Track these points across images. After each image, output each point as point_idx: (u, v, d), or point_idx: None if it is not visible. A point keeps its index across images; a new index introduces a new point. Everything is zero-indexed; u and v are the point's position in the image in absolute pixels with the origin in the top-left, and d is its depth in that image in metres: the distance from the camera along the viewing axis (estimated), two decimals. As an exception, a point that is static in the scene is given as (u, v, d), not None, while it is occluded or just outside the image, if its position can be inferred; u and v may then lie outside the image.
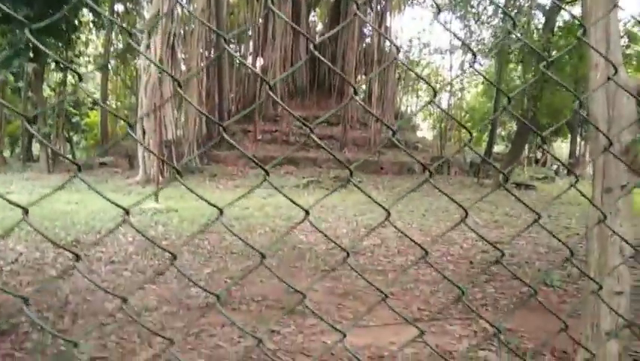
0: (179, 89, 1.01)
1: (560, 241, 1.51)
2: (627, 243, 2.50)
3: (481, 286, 5.00)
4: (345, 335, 1.11)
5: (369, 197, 1.20)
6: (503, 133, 29.38)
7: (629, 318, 2.69)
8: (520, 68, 17.29)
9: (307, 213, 1.07)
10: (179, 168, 1.04)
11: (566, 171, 22.15)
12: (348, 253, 1.19)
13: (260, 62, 22.50)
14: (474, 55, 1.65)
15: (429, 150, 21.99)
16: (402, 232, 1.41)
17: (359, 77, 23.33)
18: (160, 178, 12.03)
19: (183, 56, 16.65)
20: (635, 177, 3.05)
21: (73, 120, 22.80)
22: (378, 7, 23.67)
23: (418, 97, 31.71)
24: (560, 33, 14.64)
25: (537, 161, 24.61)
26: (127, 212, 0.91)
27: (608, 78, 2.35)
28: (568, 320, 1.35)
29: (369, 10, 23.04)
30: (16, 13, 8.25)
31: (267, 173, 1.04)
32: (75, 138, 26.49)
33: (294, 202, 1.09)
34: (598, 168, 3.03)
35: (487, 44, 18.45)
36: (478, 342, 3.53)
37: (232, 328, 3.75)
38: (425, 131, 33.85)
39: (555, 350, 3.32)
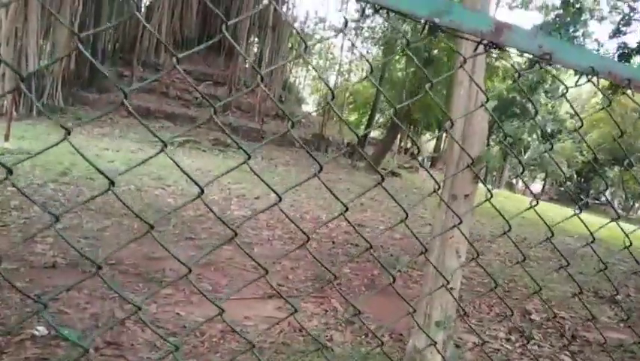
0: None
1: (416, 238, 1.67)
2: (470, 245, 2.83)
3: (339, 266, 5.31)
4: (223, 311, 1.08)
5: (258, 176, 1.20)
6: (382, 120, 31.03)
7: (456, 311, 3.08)
8: (403, 61, 18.30)
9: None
10: (40, 106, 0.93)
11: (429, 163, 24.19)
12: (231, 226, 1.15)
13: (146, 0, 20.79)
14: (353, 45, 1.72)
15: (311, 125, 22.40)
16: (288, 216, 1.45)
17: (252, 39, 22.79)
18: (14, 114, 10.66)
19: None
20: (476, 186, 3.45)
21: None
22: (280, -30, 23.18)
23: (307, 70, 32.04)
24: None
25: (407, 150, 26.47)
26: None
27: (482, 105, 2.61)
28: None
29: (270, -27, 22.46)
30: None
31: (166, 145, 0.86)
32: None
33: (183, 171, 1.05)
34: (448, 175, 3.36)
35: (378, 32, 19.18)
36: (327, 321, 3.78)
37: (80, 292, 3.54)
38: (311, 106, 34.41)
39: (393, 333, 3.69)
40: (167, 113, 16.57)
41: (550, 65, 1.11)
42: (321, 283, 4.46)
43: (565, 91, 1.24)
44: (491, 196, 1.36)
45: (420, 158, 25.94)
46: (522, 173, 1.79)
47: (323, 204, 9.02)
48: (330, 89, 1.09)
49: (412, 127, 24.10)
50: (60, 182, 6.98)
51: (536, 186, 37.04)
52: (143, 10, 20.26)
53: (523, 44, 1.07)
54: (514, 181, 35.45)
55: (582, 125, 1.30)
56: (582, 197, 31.09)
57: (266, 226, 6.62)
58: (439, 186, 1.84)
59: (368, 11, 0.95)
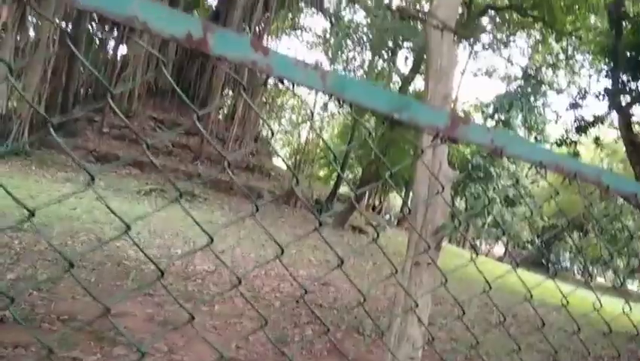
0: (9, 76, 0.95)
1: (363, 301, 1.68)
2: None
3: (302, 327, 5.21)
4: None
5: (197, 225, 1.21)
6: (350, 176, 31.47)
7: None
8: (372, 121, 18.88)
9: (128, 227, 0.98)
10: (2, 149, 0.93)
11: (396, 222, 24.45)
12: (162, 273, 1.09)
13: (123, 50, 21.03)
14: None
15: (280, 179, 22.51)
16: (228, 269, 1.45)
17: (226, 91, 23.15)
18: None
19: (34, 21, 14.81)
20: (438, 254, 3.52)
21: None
22: (257, 28, 23.98)
23: (280, 124, 32.56)
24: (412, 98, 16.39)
25: (374, 208, 26.77)
26: None
27: (443, 189, 2.72)
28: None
29: (247, 29, 23.20)
30: None
31: (93, 178, 0.89)
32: None
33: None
34: (412, 242, 3.43)
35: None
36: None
37: (27, 350, 3.35)
38: (281, 160, 34.63)
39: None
40: (135, 161, 16.39)
41: (502, 157, 1.19)
42: (281, 346, 4.36)
43: (516, 181, 1.33)
44: (473, 259, 1.41)
45: (387, 216, 26.24)
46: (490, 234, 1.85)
47: (288, 262, 8.94)
48: (271, 129, 1.13)
49: (379, 185, 24.53)
50: (17, 228, 6.73)
51: (499, 249, 37.72)
52: (119, 57, 20.47)
53: (477, 138, 1.16)
54: (477, 242, 36.06)
55: (532, 214, 1.37)
56: (543, 261, 31.80)
57: (229, 282, 6.49)
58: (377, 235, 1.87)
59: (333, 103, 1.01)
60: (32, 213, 0.85)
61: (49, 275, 5.02)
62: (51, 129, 0.86)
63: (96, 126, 17.42)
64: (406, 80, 15.53)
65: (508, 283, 10.35)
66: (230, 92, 23.26)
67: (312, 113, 25.02)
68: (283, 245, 1.11)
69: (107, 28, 21.20)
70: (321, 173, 34.34)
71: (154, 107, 19.31)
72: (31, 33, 14.66)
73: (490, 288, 1.48)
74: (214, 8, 24.00)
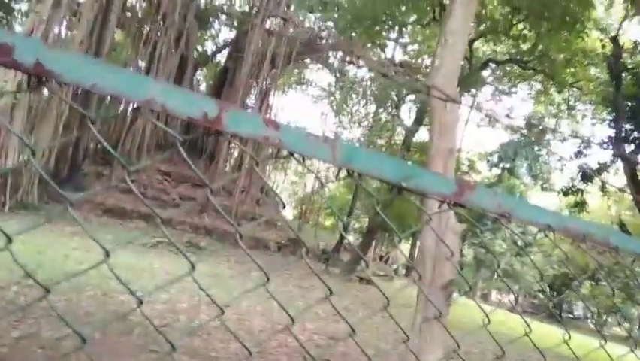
0: (32, 157, 0.98)
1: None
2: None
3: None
4: None
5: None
6: (357, 225, 31.34)
7: None
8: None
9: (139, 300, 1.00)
10: (10, 202, 0.95)
11: (404, 272, 24.10)
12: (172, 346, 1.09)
13: (134, 105, 21.62)
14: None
15: (287, 229, 22.46)
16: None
17: (232, 143, 23.53)
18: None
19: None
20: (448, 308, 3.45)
21: None
22: (264, 83, 24.68)
23: (285, 174, 32.82)
24: (416, 149, 16.59)
25: (381, 258, 26.48)
26: None
27: (452, 255, 2.71)
28: None
29: (254, 84, 23.86)
30: None
31: (108, 254, 0.95)
32: None
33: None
34: (421, 297, 3.38)
35: (356, 143, 20.13)
36: None
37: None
38: (287, 210, 34.66)
39: None
40: (141, 214, 16.47)
41: (509, 221, 1.20)
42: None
43: (525, 245, 1.33)
44: (488, 322, 1.39)
45: (394, 266, 25.91)
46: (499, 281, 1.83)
47: (295, 315, 8.76)
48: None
49: (386, 235, 24.37)
50: (23, 284, 6.69)
51: (511, 298, 36.84)
52: (129, 111, 20.99)
53: (484, 203, 1.17)
54: (486, 292, 35.32)
55: (535, 270, 1.37)
56: (555, 310, 30.95)
57: (234, 338, 6.36)
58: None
59: (342, 173, 1.04)
60: (44, 287, 0.87)
61: (52, 333, 4.95)
62: (58, 189, 0.89)
63: (105, 180, 17.64)
64: (410, 132, 15.76)
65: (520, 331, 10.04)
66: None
67: (319, 178, 25.23)
68: (290, 298, 1.10)
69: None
70: (327, 222, 34.24)
71: (162, 160, 19.60)
72: (45, 91, 15.17)
73: (504, 354, 1.45)
74: (223, 65, 24.80)
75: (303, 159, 0.98)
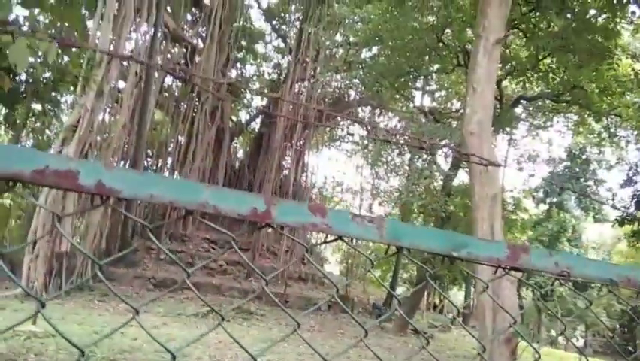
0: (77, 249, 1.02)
1: None
2: None
3: None
4: None
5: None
6: (405, 275, 30.58)
7: None
8: (421, 218, 18.75)
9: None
10: (67, 285, 0.97)
11: (461, 320, 23.03)
12: None
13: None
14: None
15: (334, 286, 22.12)
16: None
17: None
18: (44, 294, 10.86)
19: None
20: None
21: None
22: (298, 144, 25.25)
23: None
24: (458, 193, 16.32)
25: (435, 307, 25.56)
26: None
27: (515, 322, 2.62)
28: None
29: (288, 145, 24.45)
30: None
31: (137, 312, 0.96)
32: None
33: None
34: (487, 353, 3.22)
35: (394, 192, 20.03)
36: None
37: None
38: (333, 265, 34.35)
39: None
40: (191, 283, 16.65)
41: (570, 280, 1.16)
42: None
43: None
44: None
45: (450, 315, 24.86)
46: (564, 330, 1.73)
47: (353, 377, 8.48)
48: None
49: (437, 282, 23.59)
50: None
51: (578, 341, 34.45)
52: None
53: (540, 264, 1.15)
54: (553, 334, 33.19)
55: (591, 304, 1.30)
56: (630, 348, 28.65)
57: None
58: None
59: (392, 249, 1.05)
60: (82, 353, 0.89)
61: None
62: (99, 273, 0.93)
63: (154, 254, 18.10)
64: (448, 178, 15.60)
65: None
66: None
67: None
68: (346, 358, 1.07)
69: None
70: (377, 273, 33.55)
71: (204, 228, 19.98)
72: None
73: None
74: (257, 131, 25.65)
75: (351, 240, 0.99)
